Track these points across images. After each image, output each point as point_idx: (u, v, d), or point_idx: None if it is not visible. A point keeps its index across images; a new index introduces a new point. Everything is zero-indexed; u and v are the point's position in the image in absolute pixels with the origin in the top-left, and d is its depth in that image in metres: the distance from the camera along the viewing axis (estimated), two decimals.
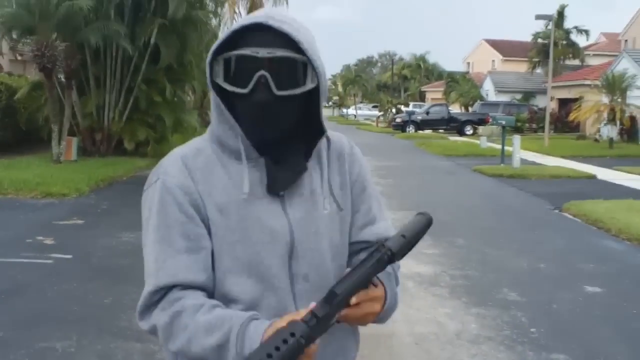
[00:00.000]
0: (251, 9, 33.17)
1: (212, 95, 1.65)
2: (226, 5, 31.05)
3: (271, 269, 1.62)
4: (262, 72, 1.54)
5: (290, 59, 1.56)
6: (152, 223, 1.63)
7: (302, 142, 1.70)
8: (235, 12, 34.66)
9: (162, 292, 1.58)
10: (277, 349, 1.26)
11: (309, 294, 1.61)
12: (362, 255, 1.55)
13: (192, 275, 1.58)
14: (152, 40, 19.59)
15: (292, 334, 1.29)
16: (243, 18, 1.64)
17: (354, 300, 1.46)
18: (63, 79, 18.83)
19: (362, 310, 1.51)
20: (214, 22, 26.01)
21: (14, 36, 19.46)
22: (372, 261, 1.47)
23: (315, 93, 1.63)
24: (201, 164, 1.66)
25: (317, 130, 1.70)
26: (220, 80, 1.60)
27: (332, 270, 1.69)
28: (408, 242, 1.54)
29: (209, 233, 1.63)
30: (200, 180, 1.64)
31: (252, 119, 1.61)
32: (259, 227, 1.62)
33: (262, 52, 1.54)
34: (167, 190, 1.62)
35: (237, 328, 1.48)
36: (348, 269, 1.51)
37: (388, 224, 1.84)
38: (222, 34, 1.62)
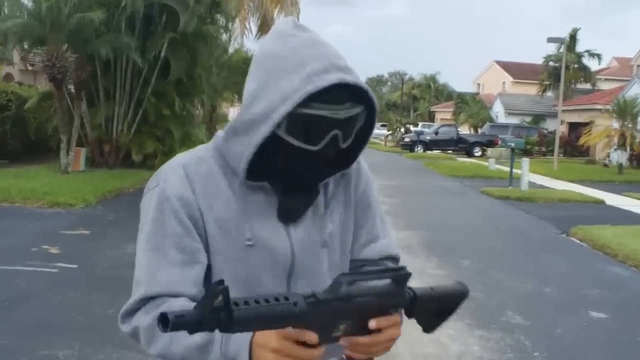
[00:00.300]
0: (262, 26, 33.30)
1: (257, 138, 1.50)
2: (237, 20, 31.22)
3: (267, 290, 1.55)
4: (336, 131, 1.51)
5: (360, 114, 1.55)
6: (146, 229, 1.58)
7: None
8: (245, 27, 34.77)
9: (149, 299, 1.54)
10: (267, 301, 1.20)
11: None
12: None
13: (183, 289, 1.52)
14: (163, 54, 19.69)
15: (286, 298, 1.23)
16: (311, 67, 1.47)
17: (373, 324, 1.37)
18: (73, 90, 18.96)
19: (385, 336, 1.41)
20: (224, 37, 26.17)
21: (25, 46, 19.63)
22: (389, 275, 1.40)
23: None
24: (203, 174, 1.59)
25: (339, 161, 1.65)
26: (282, 133, 1.50)
27: None
28: (434, 296, 1.51)
29: (207, 247, 1.58)
30: (201, 192, 1.57)
31: (305, 169, 1.57)
32: (260, 246, 1.58)
33: (342, 114, 1.49)
34: (166, 199, 1.56)
35: None
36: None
37: (392, 241, 1.81)
38: (295, 94, 1.45)
